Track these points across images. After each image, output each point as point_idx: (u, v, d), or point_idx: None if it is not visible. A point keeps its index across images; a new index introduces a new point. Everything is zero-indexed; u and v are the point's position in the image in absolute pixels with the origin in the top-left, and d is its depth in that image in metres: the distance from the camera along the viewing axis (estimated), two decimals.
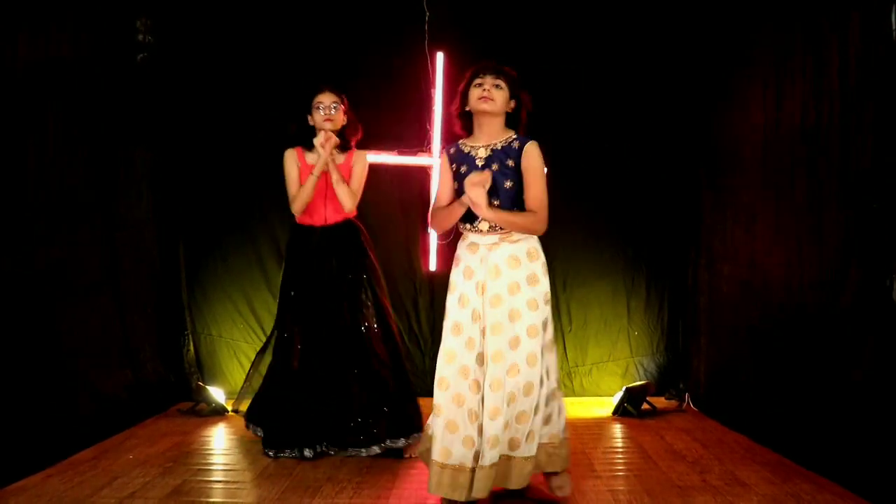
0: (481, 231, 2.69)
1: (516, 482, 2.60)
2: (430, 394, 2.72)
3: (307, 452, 3.23)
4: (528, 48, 4.33)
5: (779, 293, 3.43)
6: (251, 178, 4.49)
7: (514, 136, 2.71)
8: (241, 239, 4.52)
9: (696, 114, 4.27)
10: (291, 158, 3.45)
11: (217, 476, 3.03)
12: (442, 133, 4.35)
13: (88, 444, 3.37)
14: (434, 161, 4.33)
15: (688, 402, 4.26)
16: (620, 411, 4.06)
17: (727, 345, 3.98)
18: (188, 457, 3.27)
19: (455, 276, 2.73)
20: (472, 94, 2.70)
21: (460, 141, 2.80)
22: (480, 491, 2.53)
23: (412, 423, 3.33)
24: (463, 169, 2.72)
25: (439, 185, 2.84)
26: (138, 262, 4.17)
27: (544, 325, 2.64)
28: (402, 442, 3.29)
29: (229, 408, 4.06)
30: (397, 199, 4.49)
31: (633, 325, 4.57)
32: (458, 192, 2.72)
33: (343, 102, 3.45)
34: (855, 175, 2.88)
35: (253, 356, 4.49)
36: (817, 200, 3.14)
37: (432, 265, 4.43)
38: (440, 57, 4.39)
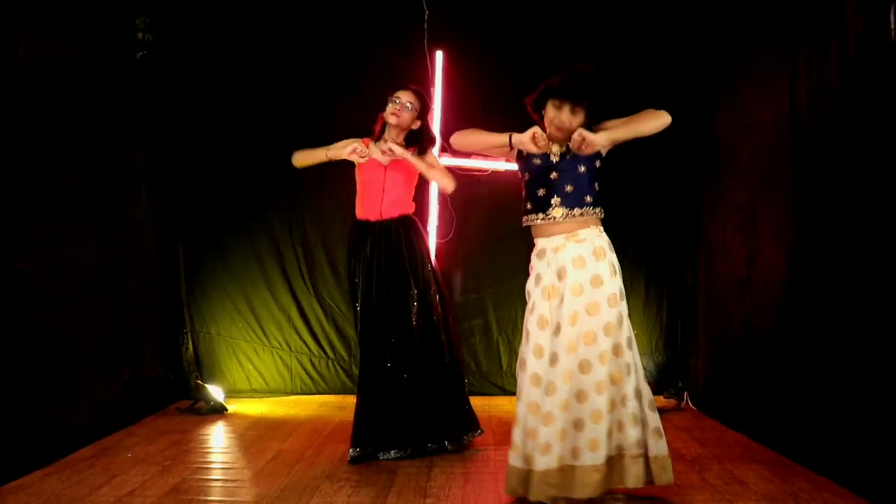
0: (554, 218, 2.67)
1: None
2: None
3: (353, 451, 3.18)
4: (527, 48, 4.31)
5: (778, 293, 3.43)
6: (251, 177, 4.51)
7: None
8: (241, 238, 4.53)
9: (696, 113, 4.26)
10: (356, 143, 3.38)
11: (216, 474, 3.03)
12: (442, 131, 4.34)
13: (87, 442, 3.37)
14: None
15: (686, 400, 4.26)
16: None
17: (726, 344, 3.97)
18: (187, 455, 3.27)
19: (528, 286, 2.73)
20: (549, 114, 2.71)
21: None
22: (536, 495, 2.53)
23: (469, 419, 3.36)
24: (535, 160, 2.73)
25: (498, 134, 2.79)
26: (138, 262, 4.18)
27: (606, 329, 2.60)
28: (467, 438, 3.34)
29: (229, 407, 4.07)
30: None
31: (632, 323, 4.51)
32: (524, 174, 2.78)
33: (421, 107, 3.37)
34: (855, 175, 2.88)
35: (251, 354, 4.55)
36: (817, 200, 3.14)
37: None
38: (440, 56, 4.39)
